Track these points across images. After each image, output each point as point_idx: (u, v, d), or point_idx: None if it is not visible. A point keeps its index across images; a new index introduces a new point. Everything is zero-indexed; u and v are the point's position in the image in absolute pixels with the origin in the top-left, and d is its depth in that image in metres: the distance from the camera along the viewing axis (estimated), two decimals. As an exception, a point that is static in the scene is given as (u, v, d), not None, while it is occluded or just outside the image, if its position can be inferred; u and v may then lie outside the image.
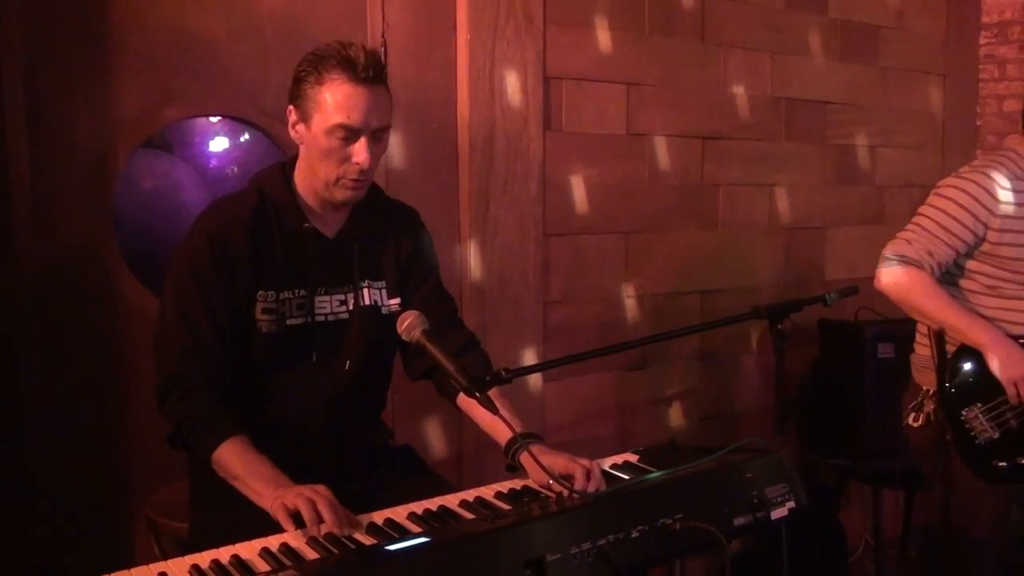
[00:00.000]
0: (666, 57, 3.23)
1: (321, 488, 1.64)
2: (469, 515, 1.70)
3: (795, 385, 3.63)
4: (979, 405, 2.42)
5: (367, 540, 1.58)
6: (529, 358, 2.92)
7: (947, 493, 2.49)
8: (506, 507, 1.72)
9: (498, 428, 1.85)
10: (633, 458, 1.98)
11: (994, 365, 2.38)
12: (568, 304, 3.06)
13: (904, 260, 2.43)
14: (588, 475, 1.74)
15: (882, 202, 3.94)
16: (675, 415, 3.39)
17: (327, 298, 1.94)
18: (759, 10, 3.47)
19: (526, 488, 1.83)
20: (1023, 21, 4.11)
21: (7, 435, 2.28)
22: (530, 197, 2.91)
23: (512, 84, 2.85)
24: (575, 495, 1.66)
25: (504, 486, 1.84)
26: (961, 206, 2.43)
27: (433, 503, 1.75)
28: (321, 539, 1.56)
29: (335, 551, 1.53)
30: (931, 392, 2.52)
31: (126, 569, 1.43)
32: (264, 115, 2.56)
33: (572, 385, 3.09)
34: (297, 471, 1.72)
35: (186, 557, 1.52)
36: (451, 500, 1.77)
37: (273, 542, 1.56)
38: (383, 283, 2.01)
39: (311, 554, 1.52)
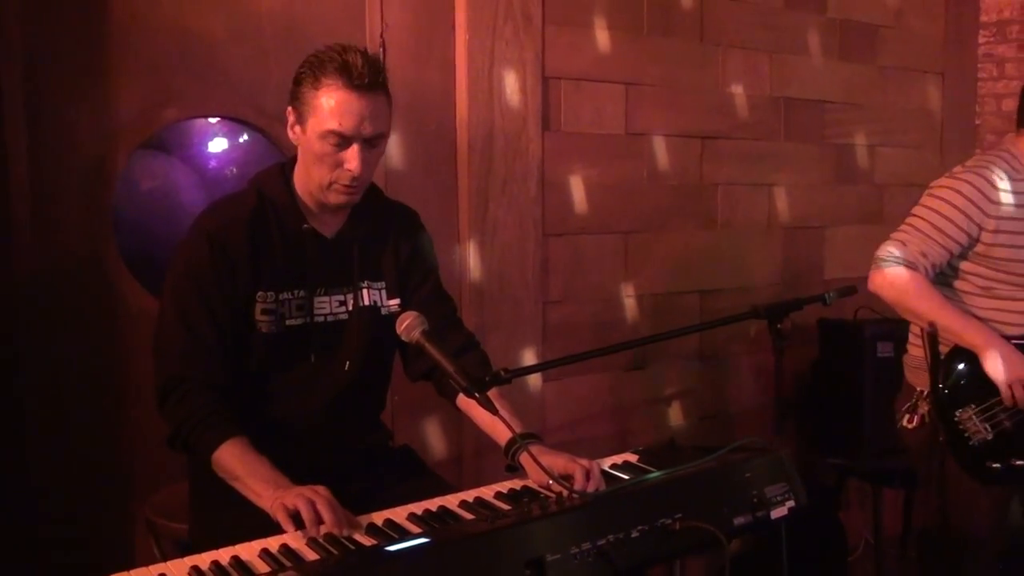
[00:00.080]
0: (665, 57, 3.23)
1: (321, 489, 1.64)
2: (469, 516, 1.70)
3: (795, 384, 3.63)
4: (973, 406, 2.41)
5: (367, 541, 1.58)
6: (528, 358, 2.92)
7: (942, 494, 2.48)
8: (506, 507, 1.71)
9: (498, 428, 1.85)
10: (633, 458, 1.98)
11: (989, 367, 2.37)
12: (567, 304, 3.06)
13: (898, 261, 2.42)
14: (588, 475, 1.74)
15: (881, 201, 3.94)
16: (674, 415, 3.39)
17: (326, 299, 1.94)
18: (758, 10, 3.47)
19: (526, 488, 1.83)
20: (1021, 20, 4.12)
21: (7, 436, 2.28)
22: (529, 197, 2.91)
23: (511, 84, 2.85)
24: (575, 495, 1.66)
25: (504, 486, 1.84)
26: (955, 207, 2.42)
27: (433, 504, 1.75)
28: (321, 540, 1.56)
29: (335, 552, 1.53)
30: (925, 393, 2.51)
31: (125, 571, 1.43)
32: (263, 116, 2.56)
33: (571, 385, 3.09)
34: (297, 472, 1.72)
35: (186, 558, 1.52)
36: (451, 501, 1.77)
37: (273, 543, 1.56)
38: (383, 284, 2.01)
39: (311, 555, 1.52)
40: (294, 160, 1.94)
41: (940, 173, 2.59)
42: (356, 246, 1.97)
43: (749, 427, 3.48)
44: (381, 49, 2.66)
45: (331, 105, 1.78)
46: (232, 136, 3.14)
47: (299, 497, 1.60)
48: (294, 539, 1.57)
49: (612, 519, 1.57)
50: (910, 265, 2.41)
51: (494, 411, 1.70)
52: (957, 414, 2.41)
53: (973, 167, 2.48)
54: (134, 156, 2.52)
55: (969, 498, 2.46)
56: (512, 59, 2.85)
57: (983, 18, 4.22)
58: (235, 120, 2.68)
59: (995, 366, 2.37)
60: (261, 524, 1.62)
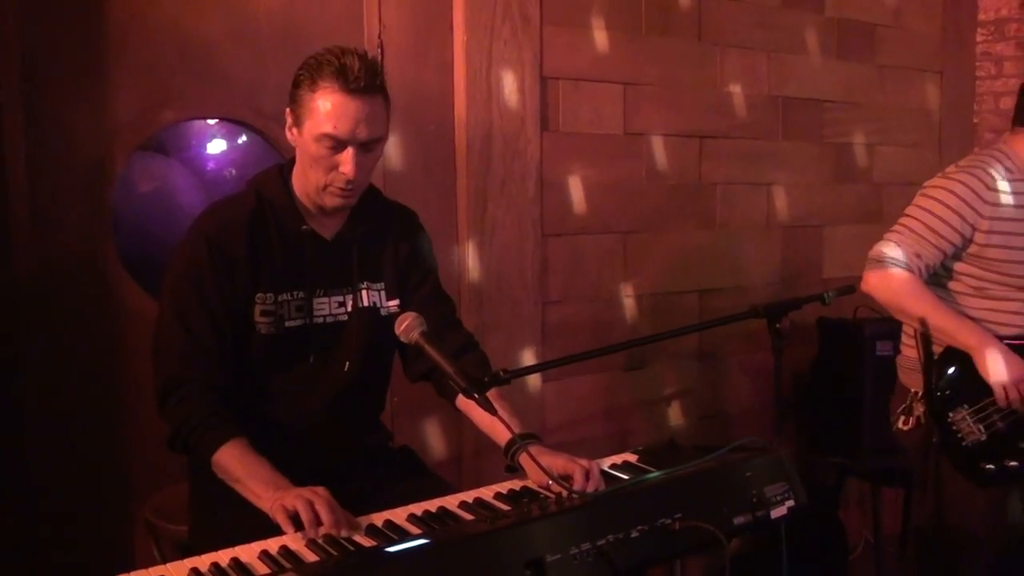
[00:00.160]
0: (663, 57, 3.23)
1: (320, 490, 1.64)
2: (468, 516, 1.70)
3: (794, 384, 3.63)
4: (966, 407, 2.40)
5: (366, 542, 1.58)
6: (528, 358, 2.92)
7: (938, 495, 2.48)
8: (505, 508, 1.71)
9: (497, 429, 1.85)
10: (632, 458, 1.98)
11: (983, 368, 2.37)
12: (566, 304, 3.06)
13: (891, 262, 2.41)
14: (587, 475, 1.74)
15: (880, 200, 3.94)
16: (674, 414, 3.39)
17: (326, 300, 1.94)
18: (755, 9, 3.47)
19: (525, 489, 1.83)
20: (1019, 18, 4.12)
21: (6, 437, 2.28)
22: (528, 197, 2.91)
23: (509, 84, 2.85)
24: (574, 495, 1.66)
25: (503, 487, 1.84)
26: (949, 207, 2.41)
27: (432, 504, 1.75)
28: (320, 541, 1.56)
29: (334, 553, 1.53)
30: (920, 394, 2.50)
31: (125, 572, 1.43)
32: (261, 117, 2.56)
33: (571, 385, 3.09)
34: (296, 472, 1.73)
35: (185, 560, 1.52)
36: (450, 501, 1.77)
37: (272, 544, 1.56)
38: (382, 284, 2.01)
39: (310, 556, 1.52)
40: (293, 161, 1.94)
41: (938, 171, 2.59)
42: (355, 247, 1.97)
43: (748, 427, 3.48)
44: (379, 50, 2.66)
45: (327, 108, 1.78)
46: (231, 137, 3.14)
47: (298, 498, 1.60)
48: (294, 540, 1.57)
49: (612, 519, 1.57)
50: (904, 266, 2.40)
51: (493, 412, 1.70)
52: (950, 415, 2.40)
53: (967, 167, 2.47)
54: (133, 157, 2.52)
55: (964, 498, 2.45)
56: (510, 59, 2.85)
57: (981, 16, 4.22)
58: (234, 121, 2.68)
59: (989, 367, 2.36)
60: (261, 526, 1.62)
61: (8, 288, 2.27)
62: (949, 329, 2.40)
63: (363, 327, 1.96)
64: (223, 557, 1.52)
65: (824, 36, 3.69)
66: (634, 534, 1.57)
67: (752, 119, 3.49)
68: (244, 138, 3.11)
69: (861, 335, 3.35)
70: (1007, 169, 2.45)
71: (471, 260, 2.82)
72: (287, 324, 1.89)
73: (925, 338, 2.41)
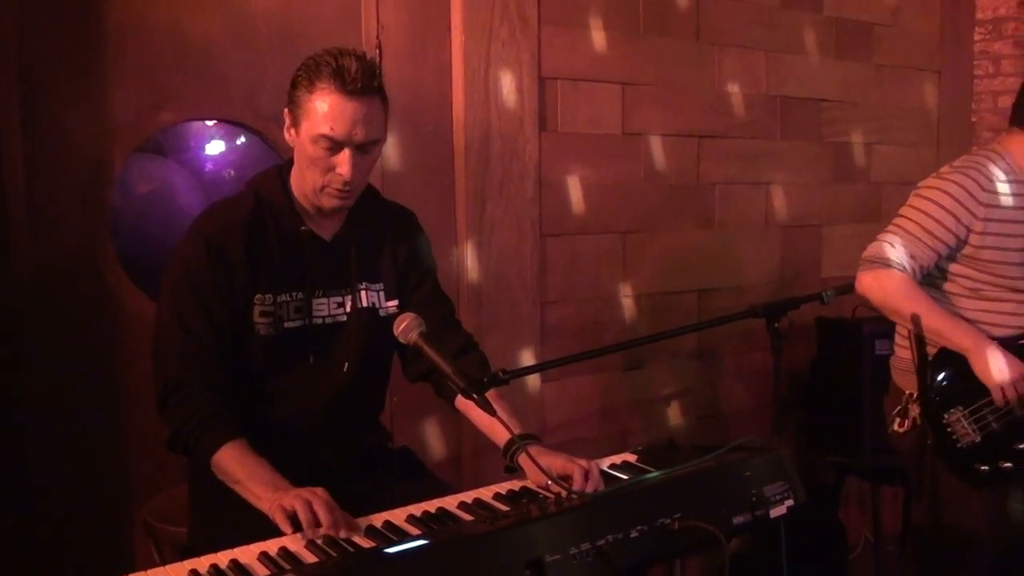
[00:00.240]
0: (661, 56, 3.23)
1: (319, 490, 1.64)
2: (468, 517, 1.70)
3: (793, 383, 3.63)
4: (961, 408, 2.39)
5: (366, 543, 1.58)
6: (527, 358, 2.92)
7: (935, 496, 2.47)
8: (505, 508, 1.71)
9: (496, 429, 1.85)
10: (631, 458, 1.98)
11: (979, 368, 2.36)
12: (565, 304, 3.06)
13: (885, 263, 2.39)
14: (586, 475, 1.74)
15: (878, 199, 3.94)
16: (673, 414, 3.39)
17: (325, 300, 1.94)
18: (754, 8, 3.47)
19: (525, 489, 1.83)
20: (1017, 17, 4.12)
21: (6, 439, 2.28)
22: (526, 198, 2.91)
23: (507, 85, 2.85)
24: (573, 495, 1.66)
25: (503, 487, 1.84)
26: (943, 207, 2.39)
27: (432, 505, 1.75)
28: (319, 542, 1.56)
29: (333, 554, 1.53)
30: (915, 396, 2.49)
31: (124, 574, 1.43)
32: (259, 118, 2.56)
33: (570, 385, 3.09)
34: (296, 473, 1.73)
35: (185, 562, 1.52)
36: (450, 502, 1.77)
37: (272, 546, 1.56)
38: (381, 285, 2.01)
39: (310, 558, 1.52)
40: (291, 162, 1.94)
41: (937, 170, 2.58)
42: (354, 248, 1.97)
43: (747, 426, 3.48)
44: (377, 51, 2.66)
45: (324, 109, 1.78)
46: (229, 138, 3.15)
47: (297, 499, 1.60)
48: (293, 542, 1.57)
49: (611, 519, 1.57)
50: (898, 266, 2.38)
51: (492, 412, 1.69)
52: (945, 416, 2.39)
53: (961, 167, 2.45)
54: (130, 159, 2.52)
55: (961, 499, 2.44)
56: (508, 60, 2.85)
57: (979, 15, 4.22)
58: (232, 123, 2.68)
59: (985, 368, 2.35)
60: (261, 527, 1.62)
61: (7, 289, 2.27)
62: (943, 330, 2.39)
63: (362, 328, 1.96)
64: (222, 559, 1.52)
65: (822, 35, 3.69)
66: (633, 534, 1.57)
67: (750, 119, 3.49)
68: (242, 139, 3.11)
69: (860, 334, 3.35)
70: (1003, 170, 2.44)
71: (470, 260, 2.82)
72: (286, 325, 1.89)
73: (919, 339, 2.40)
